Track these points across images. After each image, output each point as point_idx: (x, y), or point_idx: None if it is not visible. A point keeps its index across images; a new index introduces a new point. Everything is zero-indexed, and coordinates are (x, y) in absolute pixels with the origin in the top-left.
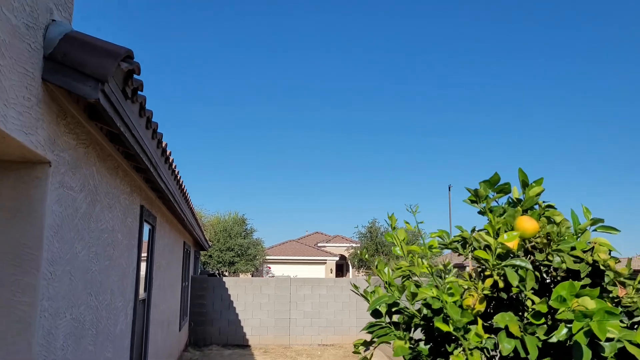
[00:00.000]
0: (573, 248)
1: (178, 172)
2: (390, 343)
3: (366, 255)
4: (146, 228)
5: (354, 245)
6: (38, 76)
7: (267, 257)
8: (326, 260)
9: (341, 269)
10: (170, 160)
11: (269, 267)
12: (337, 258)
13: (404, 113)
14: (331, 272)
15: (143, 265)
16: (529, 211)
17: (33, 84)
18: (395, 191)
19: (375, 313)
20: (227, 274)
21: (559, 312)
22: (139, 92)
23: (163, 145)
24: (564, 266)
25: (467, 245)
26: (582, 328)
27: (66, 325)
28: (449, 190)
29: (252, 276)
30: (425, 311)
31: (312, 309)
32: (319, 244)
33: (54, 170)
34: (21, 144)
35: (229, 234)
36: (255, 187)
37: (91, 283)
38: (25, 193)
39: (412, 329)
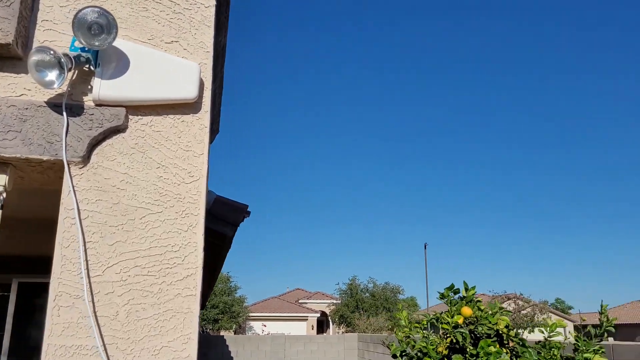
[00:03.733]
0: (488, 323)
1: None
2: None
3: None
4: None
5: (334, 301)
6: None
7: (250, 315)
8: (307, 316)
9: (322, 326)
10: None
11: (265, 325)
12: (319, 314)
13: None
14: (312, 329)
15: None
16: (469, 303)
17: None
18: (373, 247)
19: (394, 356)
20: (210, 331)
21: (480, 354)
22: None
23: None
24: (482, 332)
25: (437, 321)
26: None
27: None
28: (425, 248)
29: (235, 333)
30: (419, 354)
31: None
32: (300, 301)
33: None
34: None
35: (214, 291)
36: (241, 241)
37: None
38: None
39: None
